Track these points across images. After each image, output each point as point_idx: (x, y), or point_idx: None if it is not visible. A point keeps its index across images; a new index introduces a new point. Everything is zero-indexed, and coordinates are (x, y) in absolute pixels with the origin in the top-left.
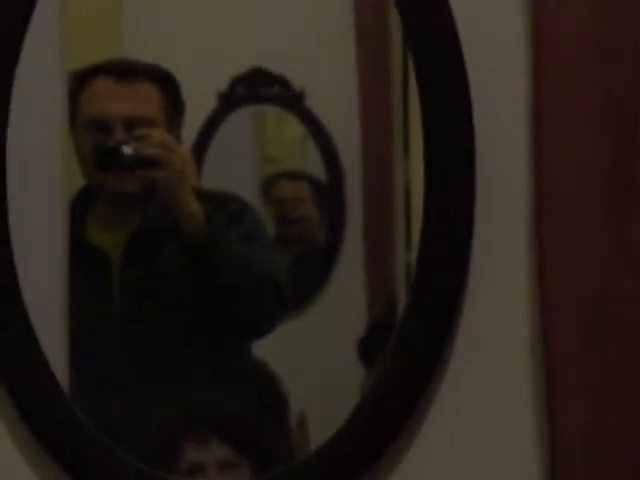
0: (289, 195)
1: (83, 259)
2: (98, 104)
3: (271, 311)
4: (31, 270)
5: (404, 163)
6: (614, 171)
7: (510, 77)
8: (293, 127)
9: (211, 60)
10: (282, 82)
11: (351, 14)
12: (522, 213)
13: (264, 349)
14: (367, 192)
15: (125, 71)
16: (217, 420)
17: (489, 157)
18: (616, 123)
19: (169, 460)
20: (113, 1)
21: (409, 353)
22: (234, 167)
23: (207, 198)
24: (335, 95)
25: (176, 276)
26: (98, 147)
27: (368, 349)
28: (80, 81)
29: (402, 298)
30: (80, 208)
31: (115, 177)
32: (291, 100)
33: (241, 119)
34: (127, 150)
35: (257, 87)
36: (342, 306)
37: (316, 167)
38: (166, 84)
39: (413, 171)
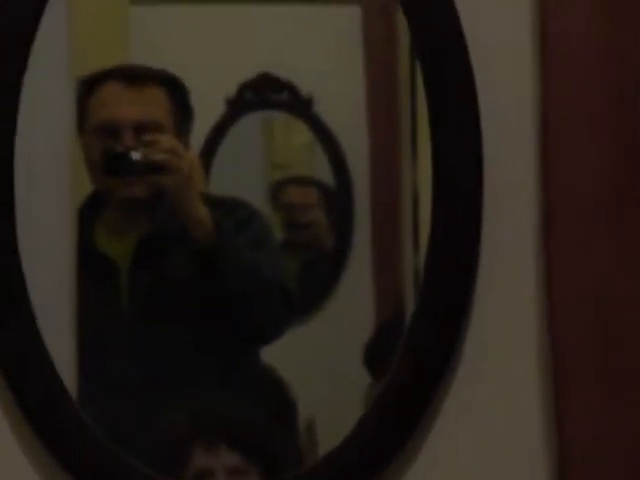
0: (297, 200)
1: (91, 265)
2: (107, 109)
3: (279, 317)
4: (39, 276)
5: (412, 169)
6: (622, 176)
7: (517, 83)
8: (301, 133)
9: (219, 66)
10: (290, 88)
11: (359, 21)
12: (530, 218)
13: (272, 355)
14: (375, 198)
15: (134, 76)
16: (226, 426)
17: (497, 162)
18: (625, 127)
19: (177, 466)
20: (121, 8)
21: (417, 359)
22: (242, 173)
23: (215, 204)
24: (343, 101)
25: (184, 282)
26: (106, 152)
27: (375, 355)
28: (89, 86)
29: (410, 304)
30: (88, 214)
31: (123, 182)
32: (299, 106)
33: (249, 125)
34: (135, 156)
35: (265, 93)
36: (350, 311)
37: (324, 173)
38: (174, 89)
39: (421, 177)
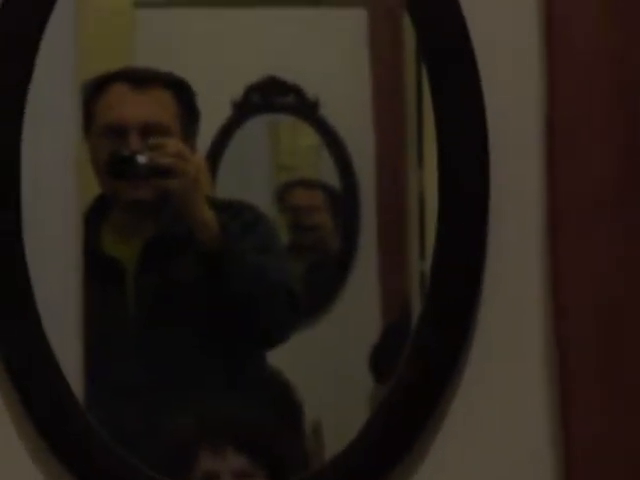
0: (303, 203)
1: (97, 268)
2: (114, 110)
3: (285, 320)
4: (46, 279)
5: (418, 172)
6: (630, 176)
7: (523, 85)
8: (307, 136)
9: (225, 69)
10: (296, 91)
11: (365, 23)
12: (535, 222)
13: (279, 357)
14: (381, 200)
15: (141, 78)
16: (232, 429)
17: (502, 166)
18: (632, 128)
19: (183, 468)
20: (127, 12)
21: (423, 362)
22: (248, 175)
23: (221, 207)
24: (349, 104)
25: (190, 285)
26: (112, 156)
27: (381, 357)
28: (96, 88)
29: (416, 306)
30: (95, 218)
31: (129, 185)
32: (305, 109)
33: (256, 128)
34: (141, 159)
35: (272, 96)
36: (356, 314)
37: (330, 175)
38: (181, 92)
39: (427, 180)
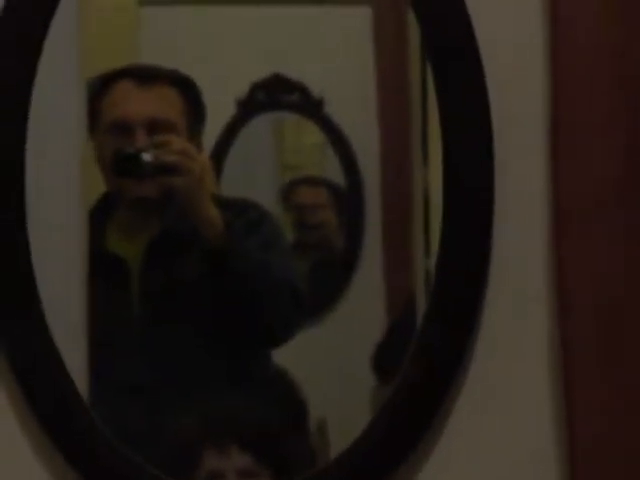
0: (308, 201)
1: (102, 266)
2: (119, 107)
3: (289, 318)
4: (50, 277)
5: (423, 170)
6: (629, 180)
7: (528, 82)
8: (312, 134)
9: (230, 67)
10: (301, 89)
11: (369, 21)
12: (540, 220)
13: (283, 356)
14: (386, 199)
15: (146, 75)
16: (236, 427)
17: (507, 164)
18: (632, 132)
19: (188, 467)
20: (131, 9)
21: (428, 360)
22: (253, 173)
23: (226, 205)
24: (354, 102)
25: (195, 282)
26: (117, 153)
27: (386, 356)
28: (101, 86)
29: (421, 304)
30: (100, 216)
31: (134, 183)
32: (310, 107)
33: (260, 126)
34: (146, 157)
35: (276, 94)
36: (361, 312)
37: (335, 173)
38: (187, 89)
39: (432, 178)
